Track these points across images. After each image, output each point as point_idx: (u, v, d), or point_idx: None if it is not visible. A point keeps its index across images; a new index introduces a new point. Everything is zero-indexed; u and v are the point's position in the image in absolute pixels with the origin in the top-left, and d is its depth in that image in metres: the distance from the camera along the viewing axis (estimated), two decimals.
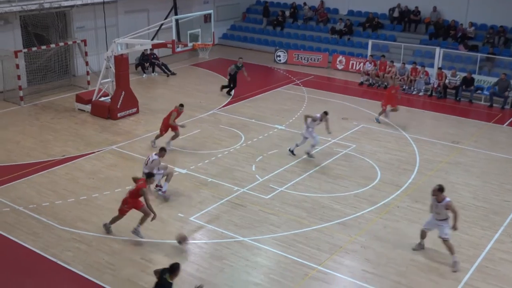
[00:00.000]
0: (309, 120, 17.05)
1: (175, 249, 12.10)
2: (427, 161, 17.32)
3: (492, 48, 26.82)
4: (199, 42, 19.93)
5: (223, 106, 22.25)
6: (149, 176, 12.59)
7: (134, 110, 21.05)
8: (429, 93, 25.31)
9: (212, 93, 23.91)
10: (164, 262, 11.52)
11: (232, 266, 11.57)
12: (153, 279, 9.40)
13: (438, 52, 26.20)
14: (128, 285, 10.83)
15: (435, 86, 25.16)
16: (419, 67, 25.88)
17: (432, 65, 26.20)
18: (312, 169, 16.34)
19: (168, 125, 17.35)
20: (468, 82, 24.64)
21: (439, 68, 25.51)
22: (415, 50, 28.30)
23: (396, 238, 12.81)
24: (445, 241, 11.75)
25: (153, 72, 27.23)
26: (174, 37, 19.40)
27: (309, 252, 12.00)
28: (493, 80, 24.49)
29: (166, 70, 27.18)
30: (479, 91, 24.73)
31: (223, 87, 24.04)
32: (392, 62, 26.64)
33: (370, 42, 28.14)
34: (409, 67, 26.20)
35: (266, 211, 13.86)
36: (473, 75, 24.85)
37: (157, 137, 17.68)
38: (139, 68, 27.24)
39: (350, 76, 28.02)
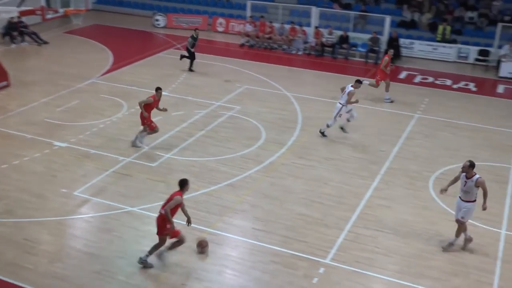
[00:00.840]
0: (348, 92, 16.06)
1: (60, 225, 11.65)
2: (309, 118, 17.89)
3: (364, 6, 27.98)
4: (71, 8, 18.91)
5: (102, 75, 21.42)
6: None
7: (5, 83, 19.65)
8: (307, 52, 26.01)
9: (91, 61, 22.90)
10: (49, 240, 11.08)
11: (122, 237, 11.35)
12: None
13: (314, 11, 26.91)
14: (13, 268, 10.28)
15: (313, 44, 25.89)
16: (297, 27, 26.44)
17: (309, 25, 26.87)
18: (198, 134, 16.30)
19: (142, 119, 15.01)
20: (343, 39, 25.61)
21: (316, 27, 26.23)
22: (292, 10, 28.82)
23: (283, 195, 13.19)
24: (461, 223, 11.05)
25: (22, 41, 25.48)
26: (43, 3, 18.21)
27: (198, 215, 12.05)
28: (367, 37, 25.64)
29: (37, 39, 25.54)
30: (354, 48, 25.80)
31: (181, 57, 22.77)
32: (271, 22, 26.98)
33: (248, 3, 28.23)
34: (287, 27, 26.66)
35: (154, 179, 13.68)
36: (348, 33, 25.85)
37: (145, 131, 15.21)
38: (7, 38, 25.39)
39: (230, 38, 28.05)
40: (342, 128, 16.62)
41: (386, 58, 19.98)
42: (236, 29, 28.68)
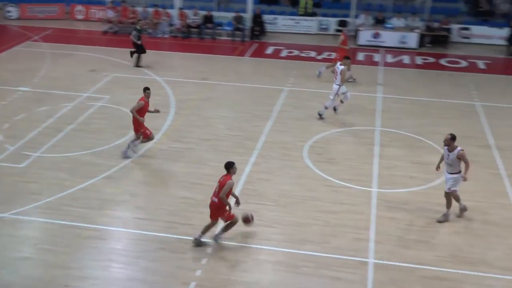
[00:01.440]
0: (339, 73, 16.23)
1: None
2: (181, 101, 17.77)
3: None
4: None
5: None
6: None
7: None
8: (174, 34, 25.73)
9: None
10: None
11: None
12: None
13: None
14: None
15: (179, 26, 25.64)
16: (160, 10, 26.03)
17: (172, 7, 26.53)
18: (68, 128, 15.58)
19: (137, 126, 13.83)
20: (208, 19, 25.63)
21: (180, 9, 25.97)
22: None
23: (163, 181, 13.06)
24: (448, 194, 11.44)
25: None
26: None
27: (78, 212, 11.58)
28: (232, 15, 25.84)
29: None
30: (219, 28, 25.92)
31: (131, 53, 21.28)
32: (134, 6, 26.30)
33: None
34: (151, 10, 26.16)
35: (24, 180, 12.90)
36: (212, 13, 25.90)
37: (138, 139, 14.04)
38: None
39: (92, 26, 26.98)
40: (334, 109, 16.81)
41: (342, 36, 20.38)
42: (98, 16, 27.60)
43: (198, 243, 10.61)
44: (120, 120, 16.16)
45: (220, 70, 20.97)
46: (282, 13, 27.21)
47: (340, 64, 16.52)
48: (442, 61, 23.11)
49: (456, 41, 25.26)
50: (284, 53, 23.70)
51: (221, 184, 10.22)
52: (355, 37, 25.48)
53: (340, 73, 16.28)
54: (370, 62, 22.93)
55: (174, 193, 12.52)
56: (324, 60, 22.82)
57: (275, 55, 23.45)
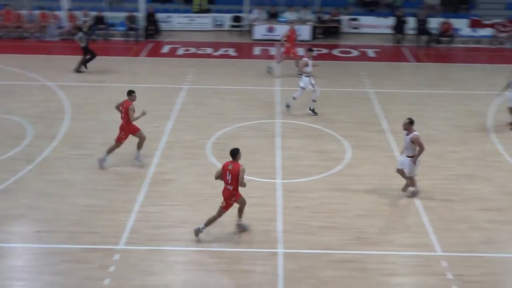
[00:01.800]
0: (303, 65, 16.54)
1: None
2: (78, 106, 17.14)
3: None
4: None
5: None
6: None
7: None
8: (64, 37, 24.71)
9: None
10: None
11: None
12: None
13: None
14: None
15: (69, 29, 24.66)
16: (47, 12, 24.89)
17: (60, 8, 25.43)
18: None
19: (129, 126, 13.12)
20: (99, 20, 24.87)
21: (68, 10, 24.99)
22: None
23: (63, 190, 12.50)
24: (408, 178, 12.01)
25: None
26: None
27: None
28: (123, 15, 25.22)
29: None
30: (112, 28, 25.23)
31: (85, 62, 19.81)
32: (18, 10, 24.98)
33: None
34: (37, 12, 24.95)
35: None
36: (104, 13, 25.17)
37: (111, 150, 13.37)
38: None
39: None
40: (287, 106, 16.78)
41: (288, 32, 20.65)
42: None
43: (241, 227, 10.94)
44: (10, 130, 15.33)
45: (115, 72, 20.42)
46: (176, 11, 26.96)
47: (305, 57, 17.06)
48: (335, 52, 23.93)
49: (346, 31, 26.25)
50: (180, 51, 23.51)
51: (234, 172, 10.22)
52: (250, 32, 25.75)
53: (301, 62, 17.10)
54: (267, 55, 23.28)
55: (75, 201, 12.04)
56: (221, 56, 22.89)
57: (172, 53, 23.20)
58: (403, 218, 11.67)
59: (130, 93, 13.07)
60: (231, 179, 10.31)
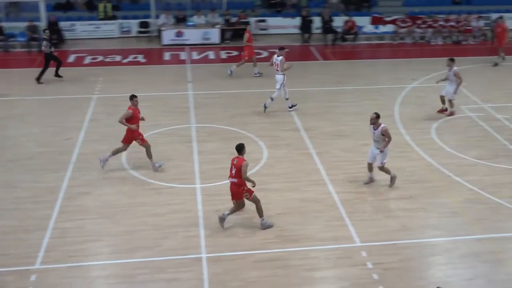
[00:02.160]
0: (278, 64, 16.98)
1: None
2: None
3: None
4: None
5: None
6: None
7: None
8: None
9: None
10: None
11: None
12: None
13: None
14: None
15: None
16: None
17: None
18: None
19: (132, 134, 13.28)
20: None
21: None
22: None
23: None
24: (380, 168, 12.67)
25: None
26: None
27: None
28: (23, 25, 24.15)
29: None
30: (12, 39, 24.11)
31: (56, 74, 18.97)
32: None
33: None
34: None
35: None
36: (1, 23, 24.01)
37: (149, 155, 13.52)
38: None
39: None
40: (265, 106, 17.11)
41: (247, 34, 20.61)
42: None
43: (265, 226, 11.21)
44: None
45: (19, 84, 19.51)
46: (80, 18, 26.16)
47: (278, 55, 17.16)
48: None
49: (255, 33, 26.48)
50: (87, 60, 22.83)
51: (238, 166, 10.81)
52: (158, 37, 25.45)
53: (281, 62, 17.00)
54: (177, 61, 23.10)
55: None
56: (130, 63, 22.47)
57: (78, 62, 22.48)
58: (322, 213, 11.93)
59: (132, 98, 13.27)
60: (235, 172, 10.90)
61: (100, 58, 23.01)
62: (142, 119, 13.66)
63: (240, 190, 11.01)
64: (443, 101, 16.91)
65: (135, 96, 13.32)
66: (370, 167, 12.92)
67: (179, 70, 21.68)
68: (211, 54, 23.87)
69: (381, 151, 12.45)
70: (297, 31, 26.12)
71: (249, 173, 13.30)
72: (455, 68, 16.46)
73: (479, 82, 20.08)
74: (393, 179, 12.91)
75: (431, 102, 17.64)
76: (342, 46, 25.45)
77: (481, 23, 26.17)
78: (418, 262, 10.52)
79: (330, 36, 25.56)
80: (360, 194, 12.64)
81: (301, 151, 14.72)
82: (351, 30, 25.64)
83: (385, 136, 12.35)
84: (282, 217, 11.71)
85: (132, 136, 13.41)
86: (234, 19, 26.11)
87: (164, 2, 26.98)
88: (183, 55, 23.65)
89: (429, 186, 13.03)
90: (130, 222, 11.45)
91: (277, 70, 17.15)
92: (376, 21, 26.42)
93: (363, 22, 26.39)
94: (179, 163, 13.94)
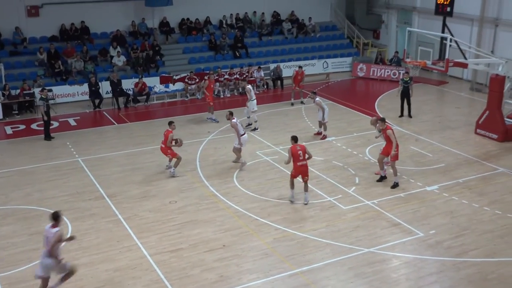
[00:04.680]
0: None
1: None
2: None
3: None
4: None
5: None
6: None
7: None
8: None
9: None
10: None
11: None
12: None
13: None
14: None
15: None
16: None
17: None
18: None
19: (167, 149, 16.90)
20: None
21: None
22: None
23: None
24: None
25: None
26: None
27: None
28: None
29: None
30: None
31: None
32: None
33: None
34: None
35: None
36: None
37: (177, 164, 16.96)
38: None
39: None
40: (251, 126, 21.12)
41: (207, 81, 23.08)
42: None
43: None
44: None
45: None
46: None
47: (248, 84, 22.26)
48: (34, 126, 22.71)
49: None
50: None
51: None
52: None
53: (248, 91, 21.41)
54: None
55: None
56: None
57: None
58: (139, 278, 11.55)
59: (170, 123, 16.93)
60: (302, 154, 14.47)
61: None
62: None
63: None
64: (320, 125, 20.39)
65: (173, 122, 17.15)
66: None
67: None
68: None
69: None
70: (86, 97, 25.47)
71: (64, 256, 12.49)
72: (317, 99, 20.00)
73: (269, 128, 21.52)
74: (242, 164, 17.10)
75: (228, 152, 18.38)
76: (135, 107, 25.40)
77: (262, 73, 28.27)
78: None
79: (121, 99, 25.38)
80: (174, 253, 12.53)
81: (108, 219, 14.18)
82: (143, 92, 25.79)
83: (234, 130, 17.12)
84: None
85: (173, 154, 17.04)
86: (16, 92, 24.32)
87: None
88: None
89: (239, 232, 13.44)
90: None
91: (249, 97, 21.37)
92: (165, 80, 26.93)
93: (153, 82, 26.72)
94: None
